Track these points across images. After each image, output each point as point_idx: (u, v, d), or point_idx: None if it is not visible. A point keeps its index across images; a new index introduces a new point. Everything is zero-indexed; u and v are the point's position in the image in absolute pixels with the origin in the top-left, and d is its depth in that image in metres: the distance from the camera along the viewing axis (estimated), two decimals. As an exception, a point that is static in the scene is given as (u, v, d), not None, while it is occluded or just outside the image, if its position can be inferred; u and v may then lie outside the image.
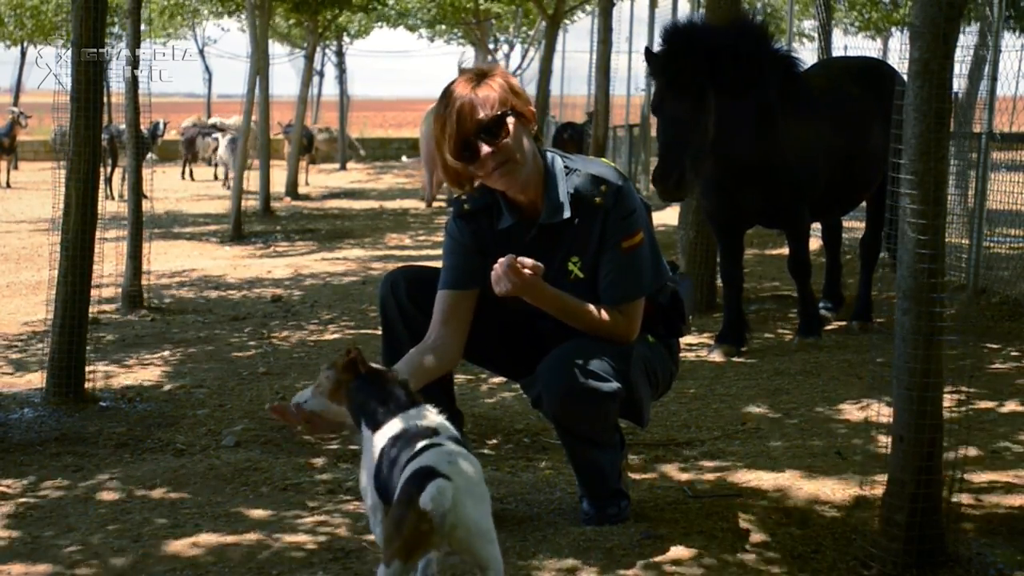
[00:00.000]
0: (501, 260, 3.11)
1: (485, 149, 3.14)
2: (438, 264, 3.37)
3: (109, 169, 15.69)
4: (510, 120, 3.16)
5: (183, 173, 21.08)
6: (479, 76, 3.21)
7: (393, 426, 2.71)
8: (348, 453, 4.24)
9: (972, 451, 4.05)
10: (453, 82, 3.23)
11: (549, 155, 3.28)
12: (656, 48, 5.59)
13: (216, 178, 20.54)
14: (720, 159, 5.73)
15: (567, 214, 3.23)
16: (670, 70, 5.43)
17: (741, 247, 6.18)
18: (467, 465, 2.54)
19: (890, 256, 7.20)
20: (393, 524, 2.48)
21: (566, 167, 3.27)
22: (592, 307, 3.25)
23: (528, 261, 3.12)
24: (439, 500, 2.39)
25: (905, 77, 2.92)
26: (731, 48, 5.46)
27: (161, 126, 18.37)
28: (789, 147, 5.87)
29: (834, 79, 6.49)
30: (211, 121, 23.86)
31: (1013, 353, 5.92)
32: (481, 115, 3.13)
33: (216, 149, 19.74)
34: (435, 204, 15.98)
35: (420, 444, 2.61)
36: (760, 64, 5.64)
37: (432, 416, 2.72)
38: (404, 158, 18.89)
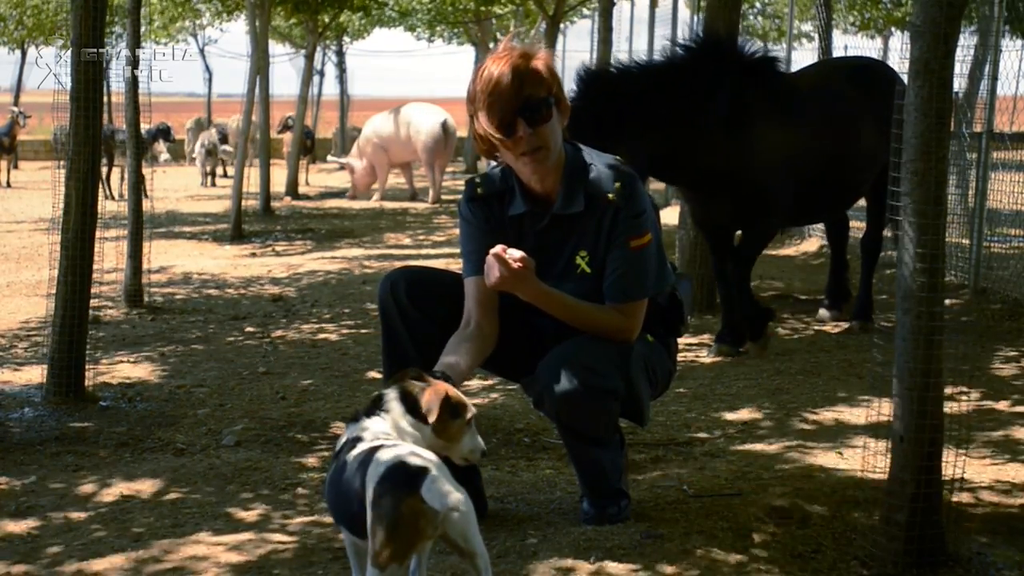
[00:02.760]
0: (492, 250, 3.10)
1: (524, 130, 3.11)
2: (437, 264, 3.36)
3: (105, 170, 15.66)
4: (553, 107, 3.14)
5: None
6: (527, 54, 3.14)
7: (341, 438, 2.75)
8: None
9: (972, 451, 4.05)
10: (499, 52, 3.16)
11: (569, 146, 3.27)
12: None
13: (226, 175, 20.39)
14: (690, 166, 5.66)
15: (581, 207, 3.23)
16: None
17: (729, 245, 5.99)
18: (426, 452, 2.55)
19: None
20: (387, 528, 2.43)
21: (584, 160, 3.26)
22: (591, 305, 3.24)
23: (516, 253, 3.09)
24: (440, 494, 2.37)
25: (904, 77, 2.92)
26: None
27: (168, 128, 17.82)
28: (758, 155, 5.70)
29: (824, 79, 6.36)
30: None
31: (1013, 353, 5.92)
32: (529, 92, 3.08)
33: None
34: (433, 204, 15.99)
35: (363, 448, 2.61)
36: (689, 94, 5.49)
37: (369, 423, 2.73)
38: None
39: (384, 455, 2.52)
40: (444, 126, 16.28)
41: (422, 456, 2.53)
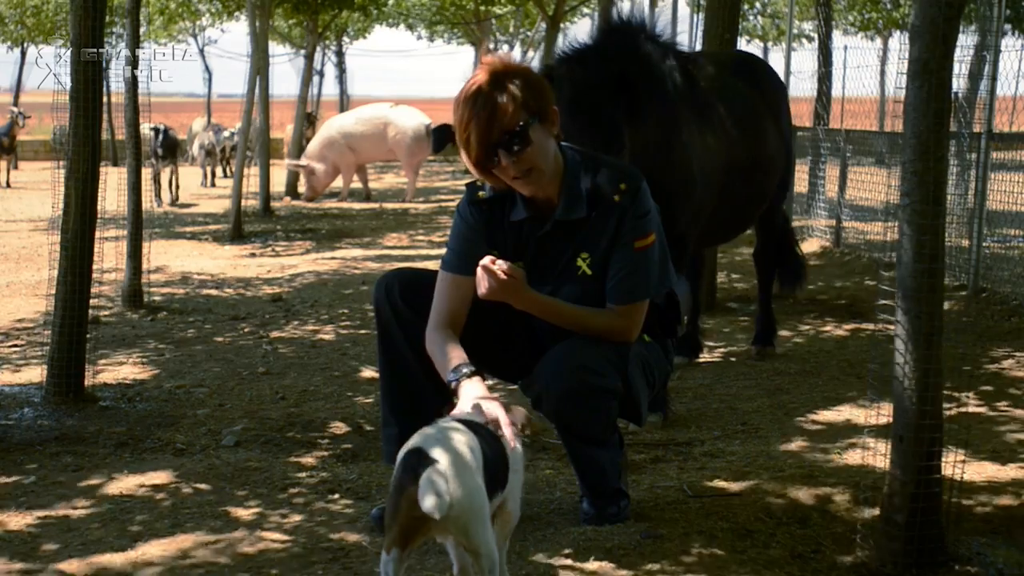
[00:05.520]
0: (481, 262, 3.10)
1: (506, 159, 3.09)
2: (436, 265, 3.35)
3: (167, 172, 15.85)
4: (532, 128, 3.09)
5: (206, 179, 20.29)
6: (500, 77, 3.08)
7: None
8: (346, 453, 4.25)
9: (972, 451, 4.05)
10: (473, 79, 3.11)
11: (568, 151, 3.26)
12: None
13: (227, 175, 20.37)
14: None
15: (584, 211, 3.22)
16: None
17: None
18: (457, 438, 2.53)
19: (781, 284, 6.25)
20: (389, 512, 2.45)
21: (585, 163, 3.25)
22: (587, 310, 3.23)
23: (505, 264, 3.09)
24: (428, 492, 2.34)
25: (905, 78, 2.91)
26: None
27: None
28: (671, 166, 4.77)
29: (717, 76, 5.43)
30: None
31: (1013, 353, 5.92)
32: (502, 125, 3.05)
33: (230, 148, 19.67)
34: (433, 204, 15.99)
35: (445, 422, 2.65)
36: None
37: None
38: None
39: (429, 430, 2.52)
40: (428, 128, 16.41)
41: (456, 441, 2.49)
